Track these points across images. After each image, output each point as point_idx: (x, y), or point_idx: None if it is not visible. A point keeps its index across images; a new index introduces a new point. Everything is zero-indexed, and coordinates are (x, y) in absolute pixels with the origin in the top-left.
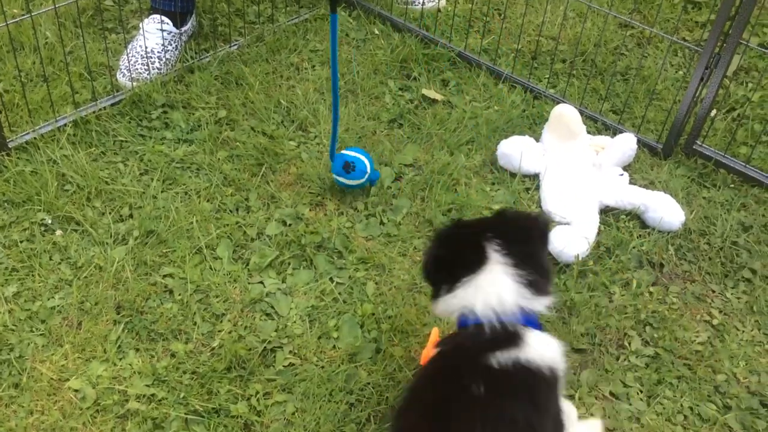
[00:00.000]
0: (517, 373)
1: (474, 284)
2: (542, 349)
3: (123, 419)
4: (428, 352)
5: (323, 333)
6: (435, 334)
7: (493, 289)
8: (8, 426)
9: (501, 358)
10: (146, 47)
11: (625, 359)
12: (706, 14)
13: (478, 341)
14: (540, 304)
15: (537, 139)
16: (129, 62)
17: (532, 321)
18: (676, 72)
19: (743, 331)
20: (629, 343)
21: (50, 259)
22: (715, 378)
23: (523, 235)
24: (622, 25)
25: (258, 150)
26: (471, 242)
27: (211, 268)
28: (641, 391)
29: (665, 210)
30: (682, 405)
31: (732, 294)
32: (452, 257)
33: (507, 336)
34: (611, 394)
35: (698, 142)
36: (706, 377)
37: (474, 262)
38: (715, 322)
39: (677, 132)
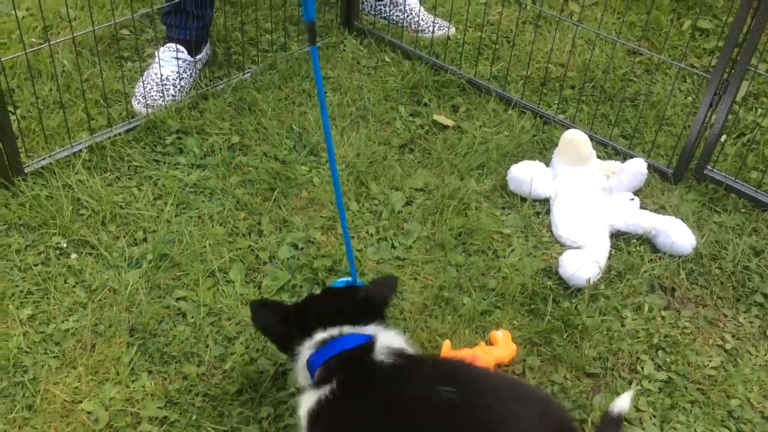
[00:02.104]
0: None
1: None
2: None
3: None
4: None
5: None
6: (447, 346)
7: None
8: None
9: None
10: (161, 75)
11: (637, 384)
12: (713, 41)
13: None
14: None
15: (547, 164)
16: (144, 89)
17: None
18: (686, 98)
19: (756, 356)
20: (642, 368)
21: (65, 283)
22: (729, 403)
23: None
24: (631, 52)
25: (270, 175)
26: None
27: (223, 292)
28: (654, 416)
29: (676, 234)
30: (695, 430)
31: (744, 318)
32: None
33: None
34: (624, 418)
35: (709, 166)
36: (719, 402)
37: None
38: (728, 346)
39: (687, 157)
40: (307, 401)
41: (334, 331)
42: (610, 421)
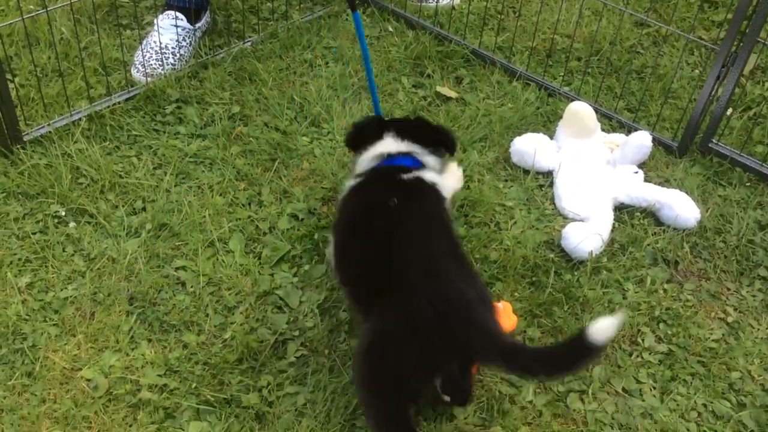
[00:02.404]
0: (418, 183)
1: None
2: (431, 175)
3: (135, 408)
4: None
5: (334, 326)
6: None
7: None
8: (21, 414)
9: (406, 176)
10: (160, 43)
11: (638, 355)
12: (722, 13)
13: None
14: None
15: (551, 137)
16: (143, 58)
17: (417, 162)
18: (692, 71)
19: (758, 329)
20: (642, 340)
21: (63, 251)
22: (730, 375)
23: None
24: (638, 24)
25: (271, 145)
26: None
27: (223, 261)
28: (654, 388)
29: (680, 207)
30: (695, 402)
31: (747, 292)
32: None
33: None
34: (624, 390)
35: (714, 140)
36: (720, 374)
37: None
38: (729, 319)
39: (693, 130)
40: (348, 184)
41: (402, 147)
42: (582, 347)
